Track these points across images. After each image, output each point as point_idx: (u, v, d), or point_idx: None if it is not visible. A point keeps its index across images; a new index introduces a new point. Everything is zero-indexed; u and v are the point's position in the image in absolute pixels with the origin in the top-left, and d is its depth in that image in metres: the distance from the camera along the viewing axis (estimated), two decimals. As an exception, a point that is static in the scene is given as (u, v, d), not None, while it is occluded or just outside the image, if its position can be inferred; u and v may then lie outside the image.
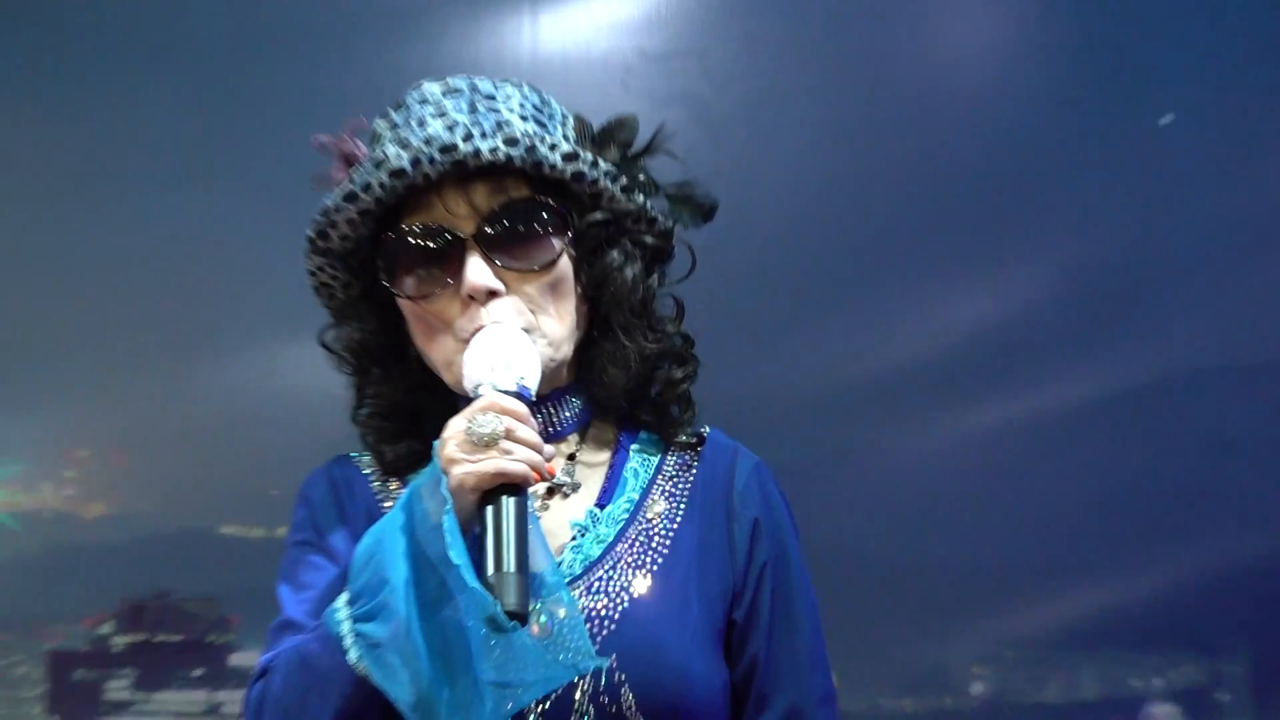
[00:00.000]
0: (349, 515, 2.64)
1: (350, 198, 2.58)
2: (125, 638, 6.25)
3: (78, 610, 6.30)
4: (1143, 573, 6.22)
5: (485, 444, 2.34)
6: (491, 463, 2.33)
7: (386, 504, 2.65)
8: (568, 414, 2.65)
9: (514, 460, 2.34)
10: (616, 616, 2.52)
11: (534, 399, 2.47)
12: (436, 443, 2.40)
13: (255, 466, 6.04)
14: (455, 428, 2.38)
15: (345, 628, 2.40)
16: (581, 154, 2.58)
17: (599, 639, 2.49)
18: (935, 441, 6.22)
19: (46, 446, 6.33)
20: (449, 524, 2.29)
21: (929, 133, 6.24)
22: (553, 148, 2.55)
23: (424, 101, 2.61)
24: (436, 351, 2.59)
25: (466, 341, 2.53)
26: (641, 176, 2.67)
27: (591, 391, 2.66)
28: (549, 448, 2.41)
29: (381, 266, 2.60)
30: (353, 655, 2.39)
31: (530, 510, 2.36)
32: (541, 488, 2.58)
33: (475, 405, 2.40)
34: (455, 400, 2.57)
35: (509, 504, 2.32)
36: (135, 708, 6.21)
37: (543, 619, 2.34)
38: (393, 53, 6.45)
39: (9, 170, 6.36)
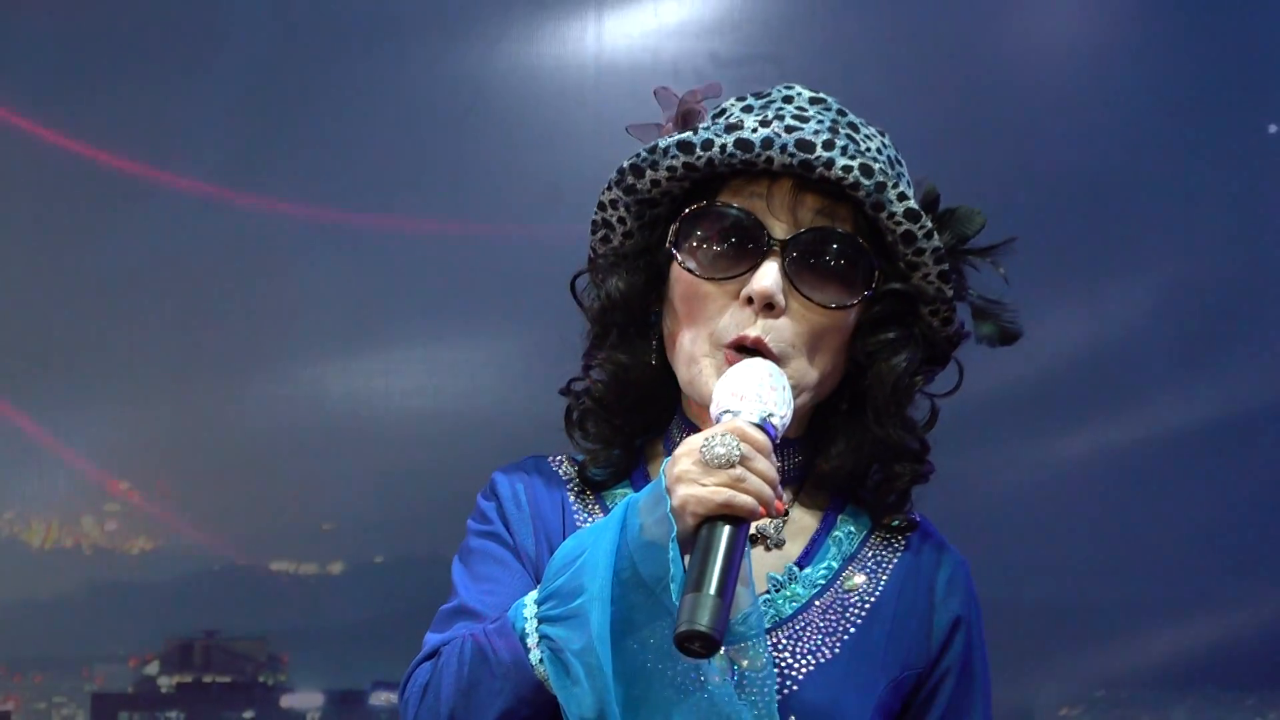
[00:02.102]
0: (543, 518, 2.61)
1: (685, 147, 2.54)
2: (172, 678, 6.25)
3: (123, 650, 6.29)
4: (1242, 609, 6.14)
5: (718, 466, 2.32)
6: (721, 492, 2.31)
7: (581, 521, 2.61)
8: (788, 467, 2.60)
9: (745, 490, 2.32)
10: (800, 677, 2.49)
11: (778, 439, 2.43)
12: (666, 460, 2.38)
13: (307, 498, 5.87)
14: (690, 445, 2.36)
15: (531, 625, 2.38)
16: (923, 218, 2.53)
17: (779, 694, 2.45)
18: (1021, 472, 6.12)
19: (87, 478, 6.26)
20: (674, 552, 2.29)
21: (1019, 142, 6.09)
22: (900, 197, 2.51)
23: (789, 100, 2.59)
24: (687, 340, 2.56)
25: (720, 346, 2.52)
26: (959, 273, 2.62)
27: (814, 456, 2.62)
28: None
29: (676, 230, 2.56)
30: (535, 656, 2.37)
31: (745, 547, 2.35)
32: (753, 527, 2.52)
33: (716, 428, 2.38)
34: (679, 399, 2.59)
35: (724, 531, 2.31)
36: (183, 751, 6.28)
37: (744, 660, 2.35)
38: (450, 55, 6.39)
39: (41, 186, 6.33)
